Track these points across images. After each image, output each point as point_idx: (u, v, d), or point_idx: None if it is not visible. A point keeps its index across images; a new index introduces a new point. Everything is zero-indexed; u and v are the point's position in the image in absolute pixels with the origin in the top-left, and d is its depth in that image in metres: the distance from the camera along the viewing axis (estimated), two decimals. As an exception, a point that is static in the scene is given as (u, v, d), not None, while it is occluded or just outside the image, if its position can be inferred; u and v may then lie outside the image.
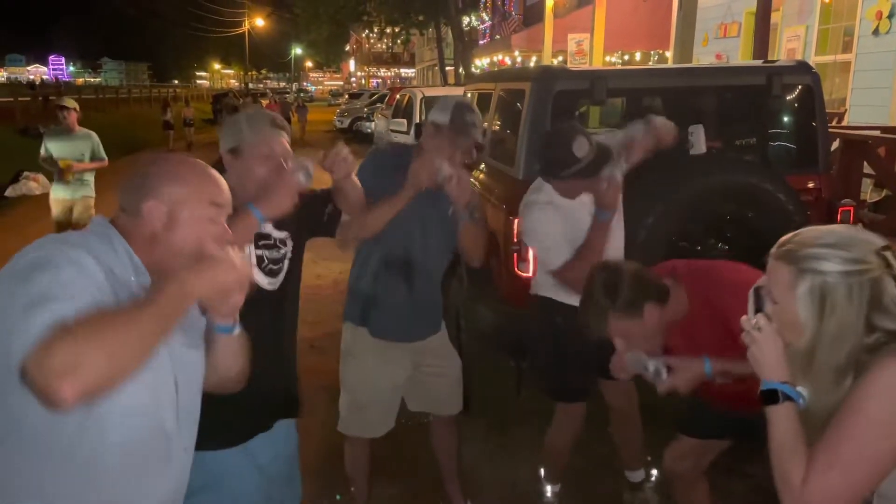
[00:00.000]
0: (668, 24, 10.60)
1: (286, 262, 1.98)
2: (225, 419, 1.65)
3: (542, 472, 2.86)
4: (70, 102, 6.05)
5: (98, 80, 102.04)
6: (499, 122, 4.08)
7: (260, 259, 1.89)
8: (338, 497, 2.95)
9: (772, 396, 1.25)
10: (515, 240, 3.20)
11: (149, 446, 1.27)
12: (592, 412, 2.78)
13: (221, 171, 1.87)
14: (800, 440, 1.22)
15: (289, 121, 24.08)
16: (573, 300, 2.55)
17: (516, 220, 3.20)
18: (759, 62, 4.23)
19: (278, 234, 1.96)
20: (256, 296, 1.78)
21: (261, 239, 1.91)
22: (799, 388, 1.25)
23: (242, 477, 1.84)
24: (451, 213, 2.34)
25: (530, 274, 3.23)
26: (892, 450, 1.15)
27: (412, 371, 2.61)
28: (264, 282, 1.90)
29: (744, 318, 1.32)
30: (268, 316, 1.88)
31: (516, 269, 3.24)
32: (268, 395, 1.87)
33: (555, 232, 2.41)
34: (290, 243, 1.99)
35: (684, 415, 2.30)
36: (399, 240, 2.39)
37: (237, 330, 1.44)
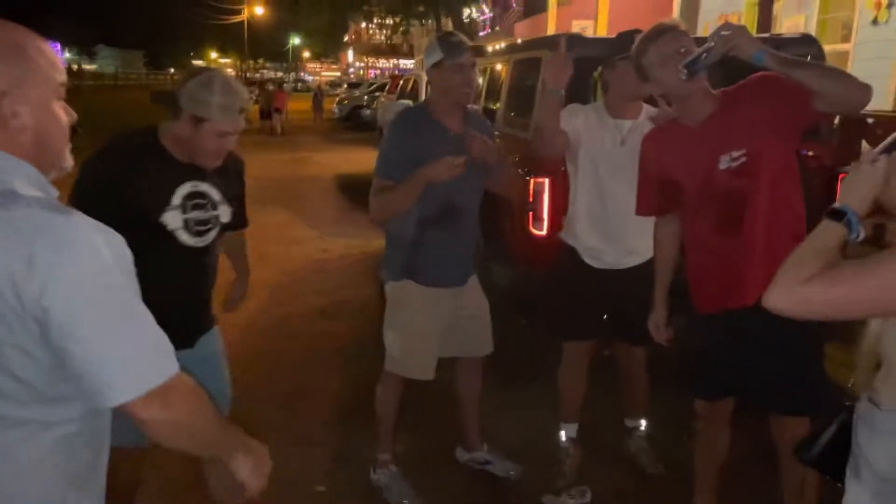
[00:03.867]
0: (669, 13, 10.73)
1: (217, 225, 2.11)
2: None
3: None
4: None
5: (94, 67, 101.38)
6: (513, 92, 4.20)
7: (186, 222, 2.01)
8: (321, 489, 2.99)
9: (836, 215, 1.32)
10: (531, 199, 3.33)
11: None
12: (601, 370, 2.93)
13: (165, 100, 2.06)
14: (825, 257, 1.28)
15: (320, 108, 24.70)
16: (574, 241, 2.77)
17: (532, 181, 3.34)
18: (766, 35, 4.36)
19: (215, 196, 2.09)
20: (179, 250, 2.02)
21: (195, 198, 2.04)
22: (861, 228, 1.32)
23: None
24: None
25: (544, 233, 3.37)
26: None
27: (449, 317, 2.72)
28: (190, 241, 2.04)
29: (868, 148, 1.40)
30: (189, 267, 2.08)
31: (531, 229, 3.36)
32: (188, 324, 2.12)
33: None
34: (223, 208, 2.13)
35: (681, 369, 2.43)
36: (438, 188, 2.47)
37: None
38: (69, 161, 1.25)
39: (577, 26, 12.05)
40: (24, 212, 1.05)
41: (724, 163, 2.07)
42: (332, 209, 9.14)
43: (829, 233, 1.33)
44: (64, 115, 1.20)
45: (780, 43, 3.44)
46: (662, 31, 2.10)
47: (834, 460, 1.48)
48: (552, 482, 2.84)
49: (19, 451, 1.12)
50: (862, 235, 1.33)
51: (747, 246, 2.07)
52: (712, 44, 1.95)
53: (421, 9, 26.72)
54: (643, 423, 3.09)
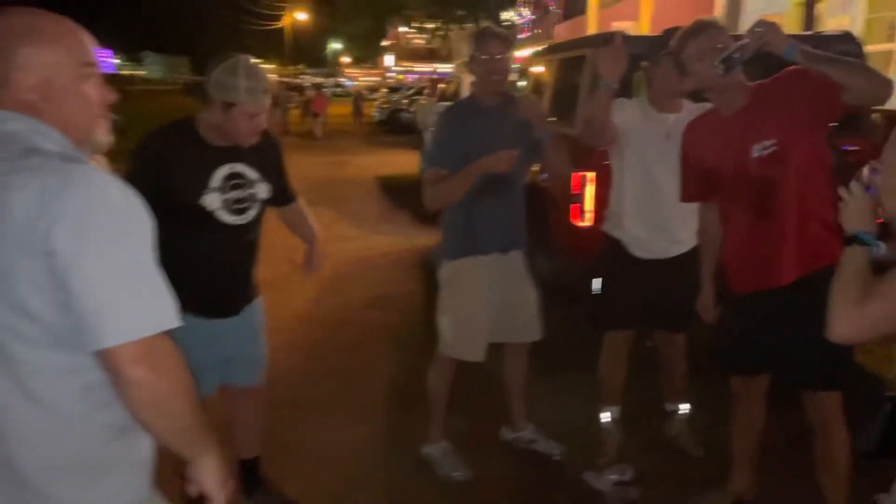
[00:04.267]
0: (712, 13, 10.72)
1: (256, 203, 2.30)
2: (199, 299, 2.09)
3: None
4: None
5: (142, 72, 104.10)
6: (558, 90, 4.35)
7: (225, 202, 2.20)
8: None
9: (851, 240, 1.50)
10: (575, 192, 3.47)
11: None
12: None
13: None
14: (862, 275, 1.43)
15: (360, 112, 25.21)
16: (620, 233, 2.88)
17: (576, 175, 3.48)
18: (808, 32, 4.43)
19: (252, 175, 2.28)
20: (221, 229, 2.20)
21: (233, 179, 2.22)
22: (879, 241, 1.49)
23: (198, 338, 2.15)
24: (526, 124, 2.69)
25: (588, 224, 3.50)
26: None
27: (500, 302, 2.87)
28: (230, 220, 2.23)
29: (842, 189, 1.59)
30: (232, 243, 2.27)
31: (574, 220, 3.50)
32: (234, 295, 2.37)
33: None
34: (260, 185, 2.31)
35: (717, 347, 2.56)
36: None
37: None
38: (103, 137, 1.29)
39: (617, 28, 12.10)
40: (42, 160, 1.12)
41: (755, 151, 2.20)
42: (375, 209, 9.36)
43: (853, 257, 1.49)
44: (93, 93, 1.24)
45: (821, 40, 3.52)
46: (701, 28, 2.24)
47: (890, 444, 1.60)
48: (594, 461, 2.97)
49: (48, 398, 1.15)
50: (882, 248, 1.50)
51: (778, 230, 2.21)
52: (747, 40, 2.08)
53: (460, 13, 26.95)
54: (683, 406, 3.19)
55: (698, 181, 2.42)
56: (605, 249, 2.95)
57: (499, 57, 2.67)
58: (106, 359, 1.10)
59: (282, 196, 2.49)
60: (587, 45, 3.79)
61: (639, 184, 2.82)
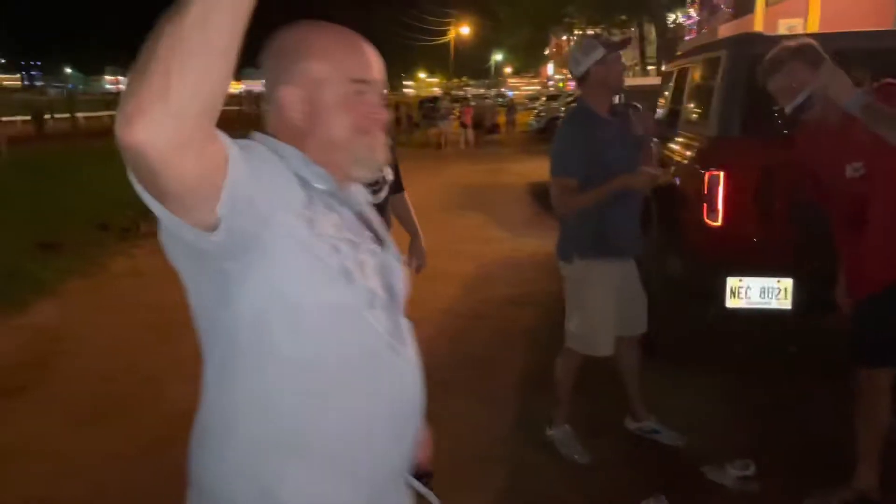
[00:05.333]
0: (888, 9, 9.81)
1: (385, 185, 2.65)
2: None
3: None
4: None
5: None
6: (695, 92, 4.37)
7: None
8: None
9: None
10: (706, 191, 3.50)
11: (367, 346, 1.15)
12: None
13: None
14: None
15: (513, 122, 25.53)
16: None
17: (707, 174, 3.51)
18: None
19: None
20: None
21: None
22: None
23: None
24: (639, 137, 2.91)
25: (719, 223, 3.52)
26: None
27: (618, 299, 3.03)
28: (370, 198, 2.60)
29: None
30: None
31: (706, 219, 3.53)
32: None
33: None
34: (386, 168, 2.66)
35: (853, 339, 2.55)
36: (612, 172, 2.81)
37: None
38: (371, 156, 1.27)
39: (783, 26, 11.39)
40: None
41: (848, 171, 2.33)
42: (524, 214, 9.61)
43: None
44: (361, 110, 1.16)
45: None
46: (778, 67, 2.34)
47: None
48: (716, 454, 3.01)
49: (208, 366, 1.12)
50: None
51: (869, 242, 2.32)
52: (817, 85, 2.19)
53: (623, 17, 26.49)
54: None
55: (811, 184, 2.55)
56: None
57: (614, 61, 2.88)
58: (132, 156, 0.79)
59: (395, 183, 2.86)
60: (722, 48, 3.79)
61: None
